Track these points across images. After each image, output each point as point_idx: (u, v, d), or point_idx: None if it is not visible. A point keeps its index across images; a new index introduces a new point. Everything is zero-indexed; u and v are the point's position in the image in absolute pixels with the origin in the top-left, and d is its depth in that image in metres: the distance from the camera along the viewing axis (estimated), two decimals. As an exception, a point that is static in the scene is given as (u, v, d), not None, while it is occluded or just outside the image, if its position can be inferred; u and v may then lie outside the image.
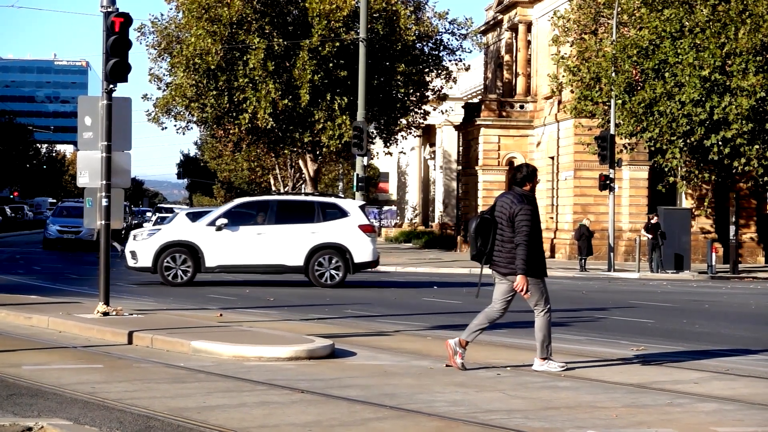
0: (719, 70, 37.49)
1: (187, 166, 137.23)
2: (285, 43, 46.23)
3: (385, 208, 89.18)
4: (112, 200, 15.94)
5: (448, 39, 52.85)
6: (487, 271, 11.89)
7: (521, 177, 11.58)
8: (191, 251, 25.13)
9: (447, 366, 11.80)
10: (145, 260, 25.15)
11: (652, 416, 9.05)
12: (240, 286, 25.37)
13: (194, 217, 35.13)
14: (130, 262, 25.55)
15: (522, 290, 11.33)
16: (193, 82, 47.13)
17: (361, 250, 25.80)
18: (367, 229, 26.07)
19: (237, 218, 25.77)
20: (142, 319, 15.34)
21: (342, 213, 26.03)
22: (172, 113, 51.82)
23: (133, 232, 26.37)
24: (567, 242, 49.65)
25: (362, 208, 26.85)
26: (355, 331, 15.43)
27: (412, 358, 12.61)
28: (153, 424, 8.22)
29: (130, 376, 10.73)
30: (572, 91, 43.17)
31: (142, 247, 25.31)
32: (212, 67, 45.86)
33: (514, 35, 60.83)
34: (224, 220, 25.34)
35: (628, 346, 14.06)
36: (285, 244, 25.48)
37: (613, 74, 39.59)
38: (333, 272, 25.58)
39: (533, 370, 11.54)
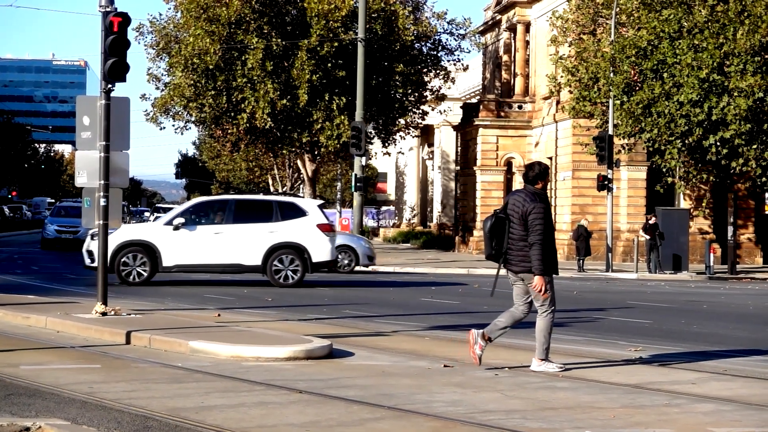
0: (717, 70, 37.51)
1: (186, 166, 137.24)
2: (283, 43, 46.24)
3: (384, 208, 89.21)
4: (110, 200, 15.93)
5: (447, 39, 52.94)
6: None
7: (533, 175, 11.55)
8: (148, 251, 24.92)
9: (445, 366, 11.80)
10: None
11: (649, 417, 9.05)
12: (238, 286, 25.37)
13: None
14: (87, 262, 25.37)
15: (540, 291, 11.34)
16: (192, 81, 47.13)
17: (320, 249, 25.65)
18: (326, 229, 25.93)
19: (195, 218, 25.67)
20: (140, 319, 15.33)
21: (300, 212, 25.89)
22: (171, 113, 51.80)
23: (90, 232, 26.20)
24: (565, 242, 49.64)
25: (321, 207, 26.72)
26: (353, 332, 15.43)
27: (410, 358, 12.61)
28: (151, 424, 8.22)
29: (128, 376, 10.72)
30: (571, 92, 43.18)
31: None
32: (211, 67, 45.87)
33: (512, 35, 60.83)
34: (181, 220, 25.17)
35: (626, 347, 14.06)
36: (243, 244, 25.36)
37: (612, 75, 39.61)
38: (291, 272, 25.43)
39: (531, 370, 11.53)
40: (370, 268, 35.85)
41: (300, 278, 25.53)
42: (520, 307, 11.65)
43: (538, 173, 11.54)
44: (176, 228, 25.08)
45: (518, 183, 57.04)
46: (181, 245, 25.05)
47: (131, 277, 24.88)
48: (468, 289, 27.31)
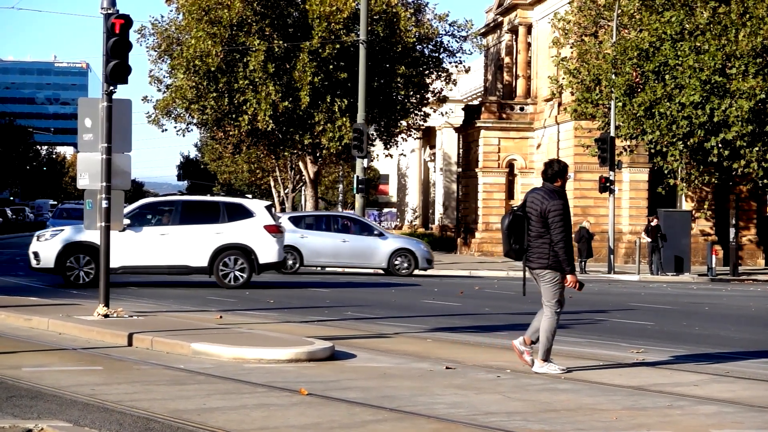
0: (719, 72, 37.52)
1: (187, 168, 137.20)
2: (285, 45, 46.25)
3: (385, 210, 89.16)
4: (112, 202, 15.94)
5: (449, 41, 52.91)
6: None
7: (552, 173, 11.59)
8: (93, 252, 24.22)
9: (447, 368, 11.81)
10: (48, 261, 24.76)
11: (651, 419, 9.05)
12: (240, 288, 25.36)
13: (298, 221, 35.44)
14: (33, 263, 25.13)
15: (575, 287, 11.46)
16: (193, 83, 47.14)
17: (267, 250, 25.44)
18: (273, 230, 25.68)
19: (141, 219, 25.40)
20: (142, 320, 15.33)
21: (248, 213, 25.67)
22: (173, 115, 51.79)
23: (36, 233, 25.97)
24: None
25: (268, 208, 26.44)
26: (355, 333, 15.43)
27: (411, 360, 12.61)
28: (153, 426, 8.22)
29: (129, 378, 10.72)
30: (572, 94, 43.18)
31: (45, 248, 24.87)
32: (212, 69, 45.88)
33: (514, 37, 60.84)
34: (127, 221, 24.62)
35: (628, 349, 14.06)
36: (189, 245, 25.15)
37: (614, 76, 39.61)
38: (238, 273, 25.20)
39: (533, 372, 11.53)
40: (428, 272, 35.96)
41: (247, 279, 25.24)
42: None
43: (557, 171, 11.59)
44: (122, 229, 24.67)
45: (519, 184, 57.09)
46: (127, 247, 24.56)
47: (77, 278, 24.62)
48: (468, 291, 27.29)
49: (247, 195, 28.89)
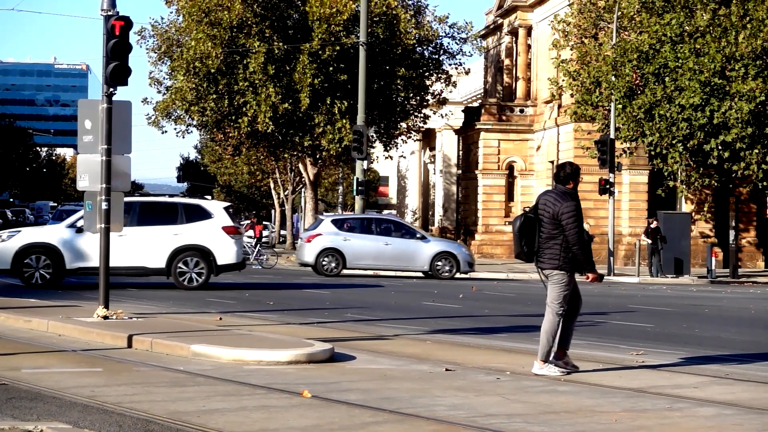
0: (719, 74, 37.52)
1: (187, 170, 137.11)
2: (285, 46, 46.26)
3: (385, 212, 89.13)
4: (111, 204, 15.93)
5: (448, 43, 52.95)
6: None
7: (564, 175, 11.70)
8: (51, 253, 24.39)
9: (447, 370, 11.80)
10: (4, 262, 24.66)
11: (651, 420, 9.05)
12: (239, 290, 25.37)
13: (341, 223, 35.65)
14: None
15: (597, 281, 11.82)
16: (193, 85, 47.16)
17: (225, 251, 25.26)
18: (231, 231, 25.49)
19: None
20: (141, 322, 15.33)
21: (206, 215, 25.50)
22: (172, 117, 51.83)
23: None
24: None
25: (227, 210, 26.27)
26: (355, 335, 15.43)
27: (411, 362, 12.60)
28: (152, 428, 8.22)
29: (129, 380, 10.72)
30: (572, 96, 43.19)
31: (1, 249, 24.78)
32: (212, 70, 45.89)
33: (514, 39, 60.86)
34: None
35: (628, 351, 14.06)
36: (147, 246, 24.96)
37: (613, 78, 39.61)
38: (195, 274, 25.00)
39: (533, 373, 11.53)
40: (468, 275, 36.03)
41: (205, 281, 25.02)
42: (568, 305, 11.79)
43: (570, 173, 11.68)
44: (79, 230, 24.42)
45: (519, 186, 57.11)
46: (85, 248, 24.37)
47: (34, 279, 24.44)
48: (468, 293, 27.29)
49: (206, 197, 28.45)
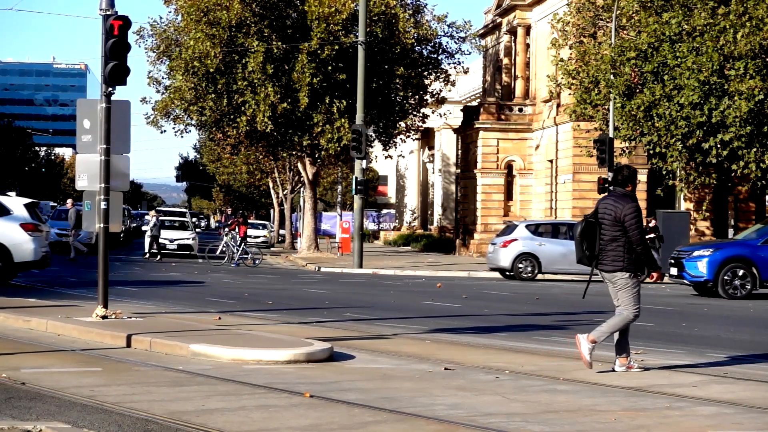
0: (718, 73, 37.52)
1: (186, 170, 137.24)
2: (284, 46, 46.26)
3: (384, 211, 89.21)
4: (110, 203, 15.91)
5: (447, 42, 52.97)
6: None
7: (622, 178, 12.03)
8: None
9: (446, 369, 11.81)
10: None
11: (651, 419, 9.05)
12: (239, 289, 25.37)
13: (534, 228, 36.42)
14: None
15: (660, 279, 12.06)
16: (192, 85, 47.16)
17: (22, 249, 24.40)
18: (30, 228, 24.73)
19: None
20: (140, 322, 15.32)
21: (4, 211, 24.79)
22: (171, 116, 51.81)
23: None
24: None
25: (28, 206, 25.49)
26: (354, 335, 15.43)
27: (411, 361, 12.60)
28: (152, 428, 8.21)
29: (128, 380, 10.71)
30: (571, 94, 43.18)
31: None
32: (211, 70, 45.88)
33: (513, 38, 60.85)
34: None
35: (627, 350, 14.03)
36: None
37: (612, 77, 39.61)
38: None
39: (616, 370, 11.82)
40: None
41: (0, 279, 24.15)
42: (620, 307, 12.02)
43: (628, 176, 12.03)
44: None
45: (518, 185, 57.09)
46: None
47: None
48: (468, 292, 27.29)
49: (8, 193, 27.58)
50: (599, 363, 12.68)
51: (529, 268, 35.26)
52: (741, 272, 27.86)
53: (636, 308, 11.80)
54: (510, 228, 37.48)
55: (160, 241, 45.62)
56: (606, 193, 12.66)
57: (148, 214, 55.49)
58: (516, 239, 36.03)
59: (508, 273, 36.14)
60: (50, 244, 48.84)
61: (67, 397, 9.48)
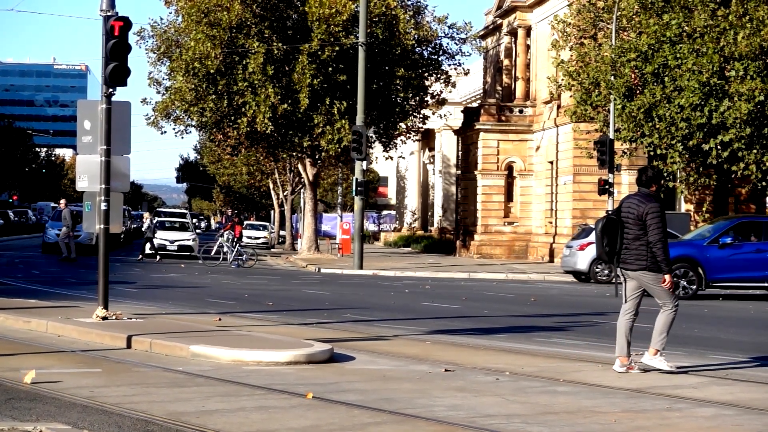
0: (718, 74, 37.50)
1: (187, 171, 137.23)
2: (284, 47, 46.25)
3: (384, 212, 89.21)
4: (111, 204, 15.92)
5: (448, 43, 52.95)
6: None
7: (646, 178, 12.09)
8: None
9: (446, 370, 11.80)
10: None
11: (651, 421, 9.05)
12: (239, 290, 25.36)
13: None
14: None
15: (669, 287, 11.90)
16: (193, 86, 47.15)
17: None
18: None
19: None
20: (141, 323, 15.32)
21: None
22: (172, 117, 51.81)
23: None
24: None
25: None
26: (354, 336, 15.43)
27: (410, 362, 12.60)
28: (151, 429, 8.22)
29: (128, 381, 10.72)
30: (571, 96, 43.17)
31: None
32: (212, 71, 45.89)
33: (513, 40, 60.85)
34: None
35: (627, 351, 14.03)
36: None
37: (613, 79, 39.61)
38: None
39: (641, 362, 11.98)
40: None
41: None
42: (626, 305, 12.18)
43: (652, 176, 12.08)
44: None
45: (518, 187, 57.09)
46: None
47: None
48: (468, 294, 27.28)
49: None
50: (599, 364, 12.68)
51: (606, 272, 34.66)
52: (684, 272, 27.39)
53: (676, 301, 12.00)
54: (586, 231, 36.88)
55: (161, 241, 45.66)
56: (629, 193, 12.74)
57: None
58: (593, 242, 35.48)
59: (583, 276, 35.61)
60: (50, 245, 49.07)
61: (67, 398, 9.48)
